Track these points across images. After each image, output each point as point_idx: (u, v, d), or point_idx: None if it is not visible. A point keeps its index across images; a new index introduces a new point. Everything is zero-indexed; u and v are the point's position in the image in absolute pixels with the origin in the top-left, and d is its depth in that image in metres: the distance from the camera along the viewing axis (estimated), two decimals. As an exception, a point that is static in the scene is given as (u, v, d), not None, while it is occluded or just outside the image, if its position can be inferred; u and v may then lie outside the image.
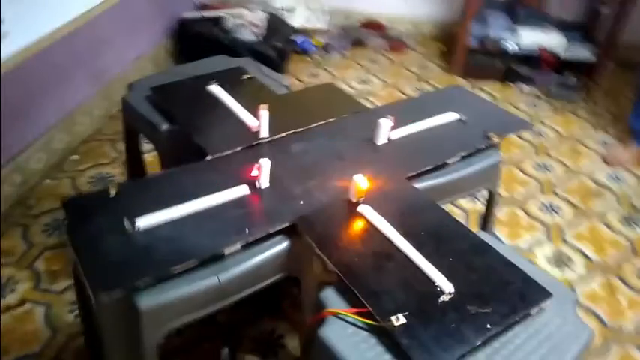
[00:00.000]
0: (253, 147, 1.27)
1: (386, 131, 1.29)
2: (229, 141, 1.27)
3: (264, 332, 1.56)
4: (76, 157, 2.22)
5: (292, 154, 1.26)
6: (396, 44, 3.20)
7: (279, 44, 2.81)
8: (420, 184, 1.22)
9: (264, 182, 1.14)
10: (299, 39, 3.08)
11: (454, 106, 1.44)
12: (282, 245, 1.06)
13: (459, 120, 1.39)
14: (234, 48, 2.78)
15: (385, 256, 0.99)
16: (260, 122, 1.28)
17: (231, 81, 1.51)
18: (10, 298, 1.61)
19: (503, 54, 2.90)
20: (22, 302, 1.60)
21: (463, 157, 1.30)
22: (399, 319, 0.87)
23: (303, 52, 3.09)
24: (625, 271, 1.84)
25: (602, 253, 1.91)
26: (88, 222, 1.02)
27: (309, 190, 1.15)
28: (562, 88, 2.82)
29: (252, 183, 1.13)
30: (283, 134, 1.31)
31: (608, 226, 2.03)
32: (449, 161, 1.27)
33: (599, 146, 2.48)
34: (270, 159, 1.14)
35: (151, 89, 1.46)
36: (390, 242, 1.01)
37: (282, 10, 2.96)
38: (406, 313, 0.88)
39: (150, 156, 1.91)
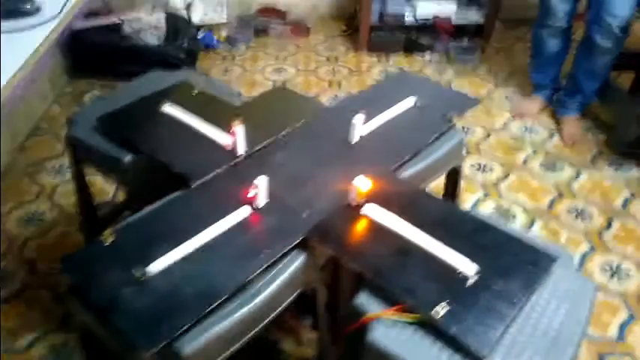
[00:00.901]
0: (234, 165, 1.25)
1: (359, 129, 1.32)
2: (209, 164, 1.23)
3: (258, 341, 1.56)
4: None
5: (275, 166, 1.26)
6: (298, 28, 3.21)
7: (186, 44, 2.71)
8: (402, 175, 1.27)
9: (262, 201, 1.13)
10: (201, 35, 2.98)
11: (405, 93, 1.50)
12: (298, 260, 1.07)
13: (416, 105, 1.46)
14: (138, 54, 2.65)
15: (405, 251, 1.03)
16: (235, 138, 1.26)
17: (183, 98, 1.45)
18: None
19: (403, 27, 3.03)
20: (-13, 374, 1.47)
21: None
22: (442, 309, 0.93)
23: (208, 48, 3.01)
24: (557, 211, 2.06)
25: (535, 200, 2.11)
26: (95, 279, 0.96)
27: (307, 201, 1.16)
28: (460, 52, 3.02)
29: (249, 203, 1.12)
30: (258, 147, 1.30)
31: (533, 175, 2.24)
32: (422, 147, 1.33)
33: (506, 102, 2.70)
34: (255, 174, 1.13)
35: (99, 119, 1.37)
36: (405, 237, 1.06)
37: (182, 8, 2.84)
38: (447, 301, 0.94)
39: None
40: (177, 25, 2.76)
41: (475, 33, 3.13)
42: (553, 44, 2.42)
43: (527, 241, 1.07)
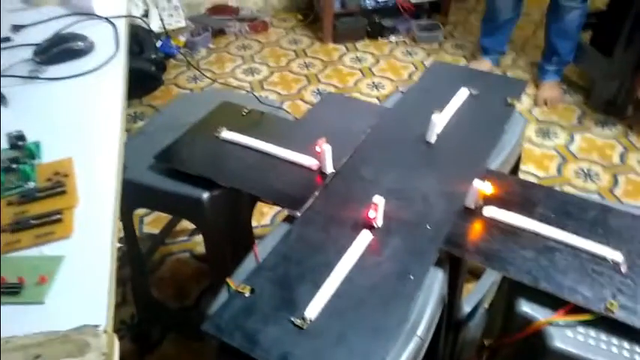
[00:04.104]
0: (327, 186, 1.17)
1: (436, 128, 1.28)
2: (302, 189, 1.15)
3: None
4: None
5: (367, 180, 1.19)
6: (256, 24, 3.08)
7: (154, 55, 2.51)
8: (492, 167, 1.25)
9: (380, 220, 1.07)
10: (159, 44, 2.78)
11: (454, 84, 1.47)
12: (438, 277, 1.02)
13: (471, 95, 1.44)
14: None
15: (547, 249, 1.02)
16: (323, 157, 1.18)
17: (236, 120, 1.34)
18: None
19: (365, 11, 3.00)
20: None
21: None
22: (612, 304, 0.93)
23: (168, 56, 2.82)
24: (568, 176, 2.14)
25: (544, 168, 2.18)
26: (256, 335, 0.86)
27: (421, 211, 1.11)
28: (425, 31, 3.04)
29: (369, 224, 1.06)
30: (342, 162, 1.22)
31: (534, 144, 2.31)
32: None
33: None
34: (352, 193, 1.10)
35: (156, 158, 1.23)
36: (540, 234, 1.04)
37: (139, 17, 2.62)
38: (612, 292, 0.94)
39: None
40: (139, 36, 2.55)
41: (432, 10, 3.17)
42: (506, 10, 2.50)
43: (642, 214, 1.10)
